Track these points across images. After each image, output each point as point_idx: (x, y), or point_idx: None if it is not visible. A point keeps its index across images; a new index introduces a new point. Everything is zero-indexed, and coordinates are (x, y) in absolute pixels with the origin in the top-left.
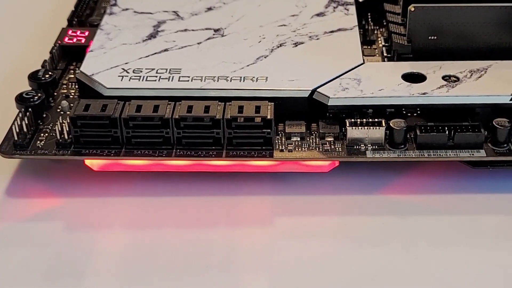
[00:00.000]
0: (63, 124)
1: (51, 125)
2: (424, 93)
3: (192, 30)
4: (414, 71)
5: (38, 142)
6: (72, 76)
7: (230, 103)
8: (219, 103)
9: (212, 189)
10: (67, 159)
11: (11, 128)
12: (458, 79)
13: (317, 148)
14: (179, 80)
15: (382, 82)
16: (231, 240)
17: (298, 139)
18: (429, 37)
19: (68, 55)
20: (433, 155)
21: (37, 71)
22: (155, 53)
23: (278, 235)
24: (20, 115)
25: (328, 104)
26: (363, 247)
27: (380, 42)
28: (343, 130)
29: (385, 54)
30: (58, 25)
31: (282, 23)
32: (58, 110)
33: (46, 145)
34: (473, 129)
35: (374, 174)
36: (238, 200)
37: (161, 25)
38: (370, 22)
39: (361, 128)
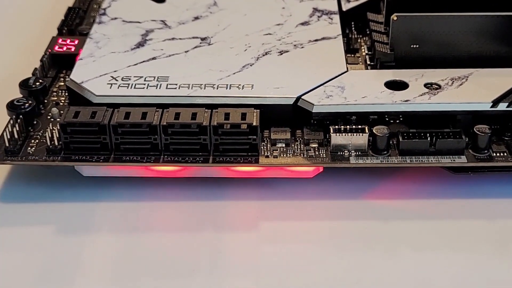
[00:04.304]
0: (53, 131)
1: (41, 131)
2: (406, 101)
3: (180, 38)
4: (397, 79)
5: (29, 148)
6: (62, 83)
7: (216, 110)
8: (206, 110)
9: (199, 194)
10: (57, 165)
11: (2, 135)
12: (439, 86)
13: (301, 154)
14: (166, 88)
15: (366, 89)
16: (217, 244)
17: (283, 145)
18: (411, 46)
19: (58, 63)
20: (415, 161)
21: (28, 79)
22: (143, 61)
23: (263, 239)
24: (11, 122)
25: (313, 111)
26: (347, 251)
27: (363, 50)
28: (327, 137)
29: (368, 62)
30: (48, 34)
31: (268, 32)
32: (49, 117)
33: (36, 151)
34: (454, 136)
35: (357, 179)
36: (224, 205)
37: (149, 33)
38: (353, 31)
39: (345, 135)
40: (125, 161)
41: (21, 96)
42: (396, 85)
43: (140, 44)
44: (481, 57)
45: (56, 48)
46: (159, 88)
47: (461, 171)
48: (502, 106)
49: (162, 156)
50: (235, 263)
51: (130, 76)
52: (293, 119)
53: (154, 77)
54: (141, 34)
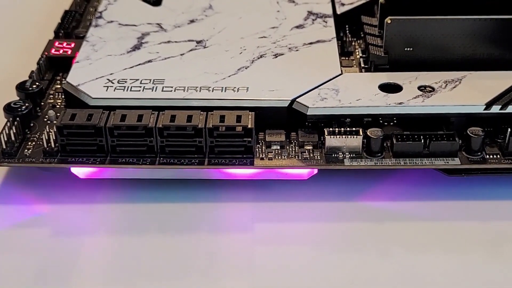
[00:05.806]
0: (50, 133)
1: (38, 134)
2: (400, 103)
3: (175, 41)
4: (391, 81)
5: (26, 150)
6: (59, 86)
7: (212, 112)
8: (201, 112)
9: (194, 196)
10: (53, 167)
11: None
12: (433, 89)
13: (296, 156)
14: (162, 90)
15: (360, 92)
16: (212, 246)
17: (278, 147)
18: (405, 49)
19: (54, 66)
20: (409, 163)
21: (25, 81)
22: (139, 64)
23: (258, 241)
24: (8, 124)
25: (307, 114)
26: (342, 252)
27: (357, 53)
28: (322, 139)
29: (362, 65)
30: (45, 37)
31: (263, 35)
32: (45, 120)
33: (33, 153)
34: (448, 138)
35: (351, 181)
36: (219, 207)
37: (145, 37)
38: (348, 34)
39: (339, 137)
40: (121, 163)
41: (18, 98)
42: (390, 88)
43: (136, 47)
44: (475, 60)
45: (53, 51)
46: (155, 90)
47: (454, 173)
48: (495, 109)
49: (157, 158)
50: (229, 264)
51: (126, 79)
52: (288, 122)
53: (150, 79)
54: (137, 37)
